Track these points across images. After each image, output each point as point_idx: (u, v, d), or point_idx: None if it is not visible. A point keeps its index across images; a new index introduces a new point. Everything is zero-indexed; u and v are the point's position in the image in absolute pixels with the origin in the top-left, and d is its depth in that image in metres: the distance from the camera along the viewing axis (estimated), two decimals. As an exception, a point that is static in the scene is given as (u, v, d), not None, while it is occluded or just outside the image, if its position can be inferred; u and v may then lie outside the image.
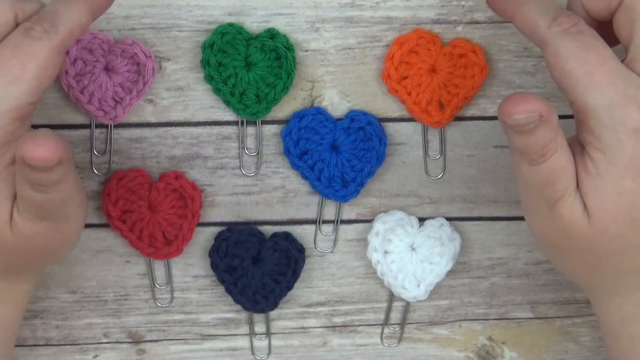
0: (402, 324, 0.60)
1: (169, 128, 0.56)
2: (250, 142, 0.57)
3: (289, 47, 0.54)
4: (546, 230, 0.49)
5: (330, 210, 0.58)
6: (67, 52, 0.53)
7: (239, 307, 0.58)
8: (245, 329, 0.60)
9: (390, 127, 0.57)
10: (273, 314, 0.59)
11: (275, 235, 0.57)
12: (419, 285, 0.58)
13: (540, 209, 0.48)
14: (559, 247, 0.49)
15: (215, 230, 0.58)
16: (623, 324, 0.50)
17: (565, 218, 0.47)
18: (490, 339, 0.61)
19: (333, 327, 0.60)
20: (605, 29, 0.49)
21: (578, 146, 0.48)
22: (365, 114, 0.56)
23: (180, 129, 0.56)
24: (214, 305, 0.59)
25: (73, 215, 0.49)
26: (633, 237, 0.48)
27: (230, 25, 0.54)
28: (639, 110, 0.45)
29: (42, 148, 0.43)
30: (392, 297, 0.59)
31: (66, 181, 0.46)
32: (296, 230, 0.58)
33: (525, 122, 0.45)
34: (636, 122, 0.45)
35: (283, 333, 0.60)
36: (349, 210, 0.58)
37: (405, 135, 0.57)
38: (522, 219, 0.58)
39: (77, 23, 0.47)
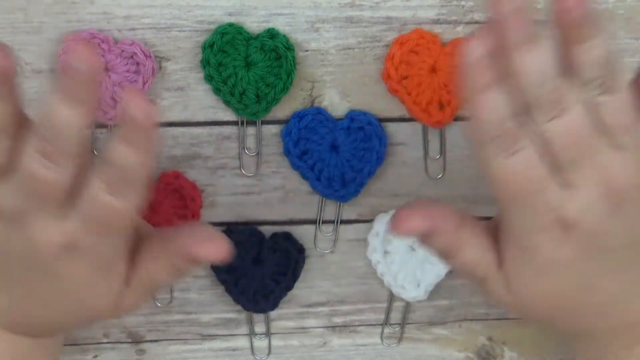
0: (402, 324, 0.60)
1: (169, 128, 0.56)
2: (250, 142, 0.57)
3: (289, 47, 0.54)
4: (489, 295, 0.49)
5: (330, 210, 0.58)
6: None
7: (239, 307, 0.58)
8: (245, 329, 0.60)
9: (390, 127, 0.57)
10: (273, 314, 0.59)
11: (275, 235, 0.57)
12: (419, 285, 0.58)
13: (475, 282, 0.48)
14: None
15: (215, 230, 0.58)
16: None
17: (493, 295, 0.47)
18: (490, 339, 0.61)
19: (333, 327, 0.60)
20: None
21: (501, 229, 0.46)
22: (365, 114, 0.56)
23: (180, 129, 0.56)
24: (214, 305, 0.59)
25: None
26: (563, 317, 0.47)
27: (230, 25, 0.54)
28: (558, 221, 0.43)
29: (221, 249, 0.44)
30: (392, 297, 0.59)
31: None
32: (296, 230, 0.58)
33: (411, 236, 0.45)
34: (556, 232, 0.44)
35: (283, 333, 0.60)
36: (349, 210, 0.58)
37: (405, 135, 0.57)
38: (522, 219, 0.58)
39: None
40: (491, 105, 0.41)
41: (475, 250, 0.46)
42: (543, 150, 0.42)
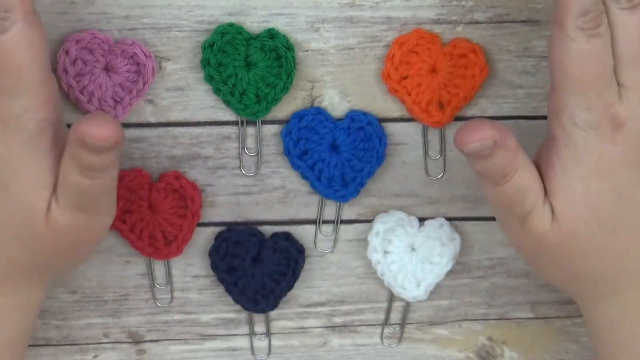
0: (402, 324, 0.60)
1: (169, 128, 0.56)
2: (250, 142, 0.57)
3: (289, 47, 0.54)
4: (521, 243, 0.51)
5: (330, 210, 0.58)
6: (67, 52, 0.53)
7: (239, 307, 0.58)
8: (245, 329, 0.60)
9: (390, 127, 0.57)
10: (273, 314, 0.59)
11: (275, 235, 0.57)
12: (419, 285, 0.58)
13: (511, 224, 0.50)
14: (535, 257, 0.51)
15: (215, 230, 0.58)
16: (608, 329, 0.51)
17: (535, 230, 0.48)
18: (490, 339, 0.61)
19: (333, 327, 0.60)
20: None
21: (547, 149, 0.49)
22: (365, 114, 0.56)
23: (180, 129, 0.56)
24: (214, 305, 0.59)
25: (106, 210, 0.50)
26: (601, 239, 0.49)
27: (230, 25, 0.54)
28: (610, 119, 0.47)
29: (106, 128, 0.44)
30: (392, 297, 0.59)
31: (113, 168, 0.47)
32: (296, 230, 0.58)
33: (480, 149, 0.46)
34: (607, 130, 0.47)
35: (283, 333, 0.60)
36: (349, 210, 0.58)
37: (405, 135, 0.57)
38: (522, 219, 0.58)
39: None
40: None
41: (528, 174, 0.48)
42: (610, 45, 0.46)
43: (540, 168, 0.49)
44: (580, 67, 0.46)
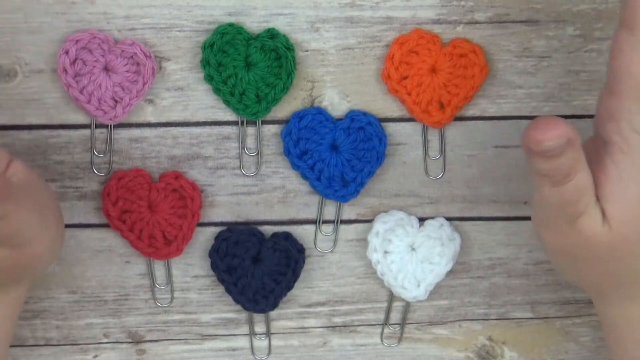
0: (402, 324, 0.60)
1: (169, 128, 0.56)
2: (250, 142, 0.57)
3: (289, 47, 0.54)
4: (564, 245, 0.49)
5: (330, 210, 0.58)
6: (67, 52, 0.53)
7: (239, 307, 0.58)
8: (245, 329, 0.60)
9: (390, 127, 0.57)
10: (273, 314, 0.59)
11: (275, 235, 0.58)
12: (419, 285, 0.58)
13: (559, 226, 0.48)
14: (576, 258, 0.49)
15: (215, 230, 0.58)
16: (630, 327, 0.50)
17: (586, 231, 0.47)
18: (490, 339, 0.61)
19: (333, 327, 0.60)
20: None
21: (594, 151, 0.48)
22: (365, 114, 0.56)
23: (180, 129, 0.56)
24: (214, 305, 0.59)
25: (35, 238, 0.48)
26: None
27: (230, 25, 0.54)
28: None
29: None
30: (392, 297, 0.59)
31: (12, 215, 0.46)
32: (296, 230, 0.58)
33: (554, 147, 0.44)
34: None
35: (283, 333, 0.60)
36: (349, 210, 0.58)
37: (405, 135, 0.57)
38: (522, 219, 0.58)
39: None
40: None
41: (587, 174, 0.47)
42: None
43: (596, 154, 0.48)
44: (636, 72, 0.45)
